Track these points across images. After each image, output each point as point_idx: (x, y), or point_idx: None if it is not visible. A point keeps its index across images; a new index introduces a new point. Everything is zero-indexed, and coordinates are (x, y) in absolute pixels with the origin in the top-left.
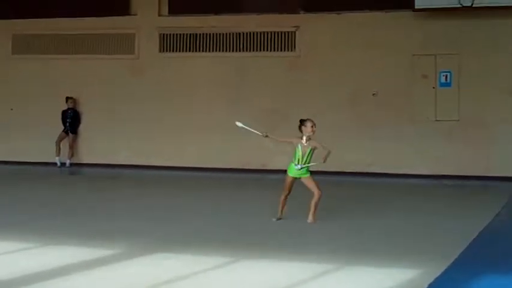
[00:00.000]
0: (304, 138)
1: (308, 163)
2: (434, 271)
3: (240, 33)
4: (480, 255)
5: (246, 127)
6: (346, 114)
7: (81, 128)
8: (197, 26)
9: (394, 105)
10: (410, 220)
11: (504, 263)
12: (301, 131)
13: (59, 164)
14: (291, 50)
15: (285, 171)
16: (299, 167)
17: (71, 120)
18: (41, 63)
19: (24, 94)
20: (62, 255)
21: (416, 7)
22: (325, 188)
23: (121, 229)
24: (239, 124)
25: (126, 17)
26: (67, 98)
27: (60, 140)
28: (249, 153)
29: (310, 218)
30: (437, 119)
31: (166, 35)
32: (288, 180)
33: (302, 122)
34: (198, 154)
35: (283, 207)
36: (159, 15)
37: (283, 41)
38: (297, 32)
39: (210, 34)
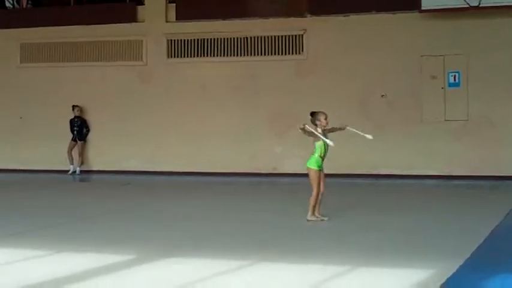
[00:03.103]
0: (320, 130)
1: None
2: (446, 271)
3: (247, 38)
4: (492, 254)
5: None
6: (355, 116)
7: (91, 135)
8: (205, 32)
9: (403, 106)
10: (421, 220)
11: None
12: (315, 124)
13: (72, 170)
14: (299, 53)
15: (296, 174)
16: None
17: (78, 128)
18: (49, 71)
19: (33, 102)
20: (72, 262)
21: (422, 8)
22: (334, 189)
23: (132, 235)
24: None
25: (134, 24)
26: (73, 107)
27: (71, 149)
28: (259, 158)
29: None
30: (447, 119)
31: (174, 40)
32: (318, 175)
33: (314, 114)
34: (207, 159)
35: (319, 205)
36: (167, 21)
37: (291, 45)
38: (304, 35)
39: (217, 39)
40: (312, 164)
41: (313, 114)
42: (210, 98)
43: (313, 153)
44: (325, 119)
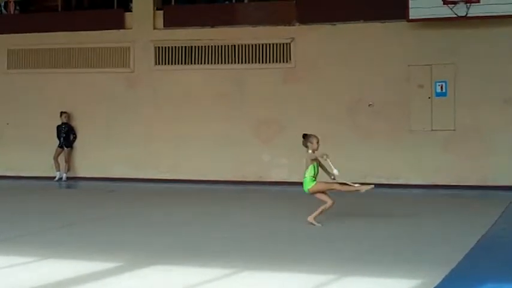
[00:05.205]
0: (311, 152)
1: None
2: (433, 280)
3: (235, 46)
4: (479, 263)
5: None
6: (342, 124)
7: (77, 141)
8: (192, 39)
9: (390, 116)
10: (408, 230)
11: (503, 271)
12: (306, 146)
13: (59, 177)
14: (286, 62)
15: (282, 183)
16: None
17: (65, 134)
18: (36, 77)
19: (20, 108)
20: (60, 269)
21: (410, 17)
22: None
23: (119, 242)
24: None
25: (122, 31)
26: (61, 113)
27: (57, 155)
28: (245, 166)
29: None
30: (434, 128)
31: (162, 48)
32: (320, 185)
33: (306, 137)
34: (194, 167)
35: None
36: (154, 28)
37: (279, 53)
38: (292, 44)
39: (205, 47)
40: (309, 185)
41: (305, 136)
42: (197, 105)
43: (305, 176)
44: (317, 142)
